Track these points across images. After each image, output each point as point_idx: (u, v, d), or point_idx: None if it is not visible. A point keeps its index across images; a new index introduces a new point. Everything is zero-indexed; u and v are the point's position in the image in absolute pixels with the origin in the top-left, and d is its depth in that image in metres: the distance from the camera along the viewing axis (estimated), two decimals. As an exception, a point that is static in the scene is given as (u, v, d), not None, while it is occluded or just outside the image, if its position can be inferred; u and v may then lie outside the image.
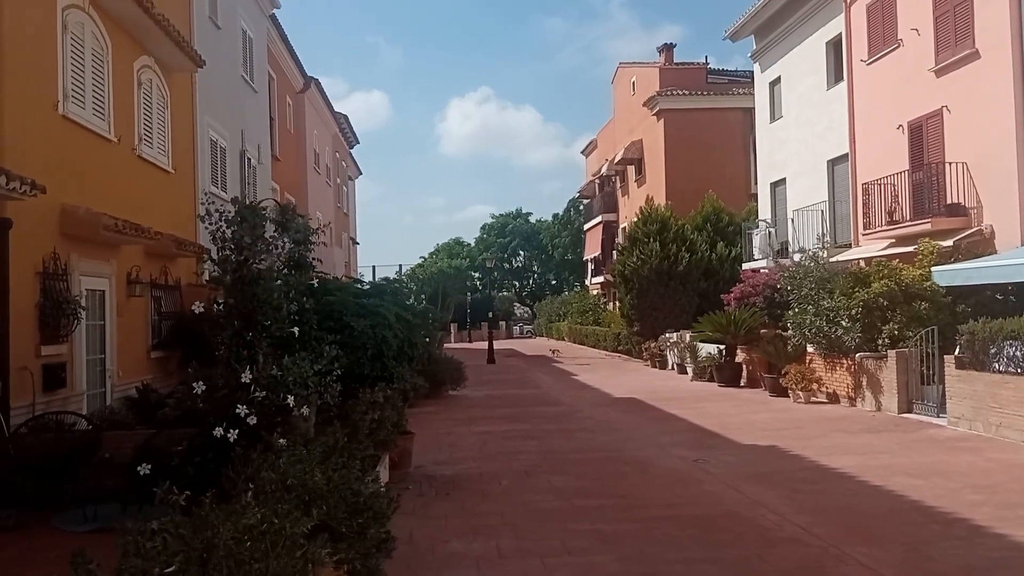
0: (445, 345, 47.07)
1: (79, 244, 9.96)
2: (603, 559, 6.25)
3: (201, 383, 5.51)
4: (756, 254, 24.23)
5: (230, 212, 5.84)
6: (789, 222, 22.85)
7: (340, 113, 34.02)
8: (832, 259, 18.70)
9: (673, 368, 24.39)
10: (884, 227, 17.73)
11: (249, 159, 18.63)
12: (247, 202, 6.09)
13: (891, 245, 17.36)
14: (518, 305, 70.76)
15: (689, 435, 12.33)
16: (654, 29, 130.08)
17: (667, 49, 36.84)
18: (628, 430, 13.06)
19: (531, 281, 72.45)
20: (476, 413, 15.70)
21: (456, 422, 14.44)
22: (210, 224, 5.84)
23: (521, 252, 71.10)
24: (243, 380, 5.35)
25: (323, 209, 30.58)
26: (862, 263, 17.59)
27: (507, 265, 71.43)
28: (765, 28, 24.84)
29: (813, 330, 15.67)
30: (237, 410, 5.22)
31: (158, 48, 12.71)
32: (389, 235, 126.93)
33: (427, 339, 15.78)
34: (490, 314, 34.71)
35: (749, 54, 26.49)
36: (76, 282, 9.84)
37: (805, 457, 10.19)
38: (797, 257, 18.67)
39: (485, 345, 37.38)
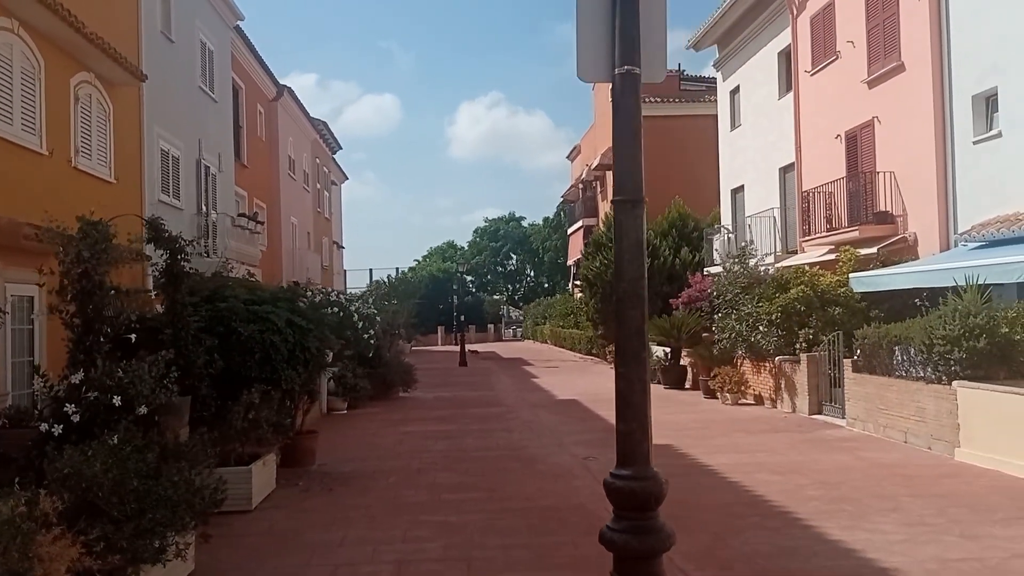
0: (434, 348, 48.14)
1: (4, 253, 10.55)
2: (431, 546, 6.81)
3: (40, 381, 6.12)
4: (716, 259, 24.69)
5: (71, 229, 6.43)
6: (747, 228, 23.34)
7: (319, 120, 34.66)
8: (779, 264, 19.19)
9: (633, 371, 24.81)
10: (822, 234, 18.23)
11: (207, 168, 19.25)
12: (95, 219, 6.69)
13: (830, 251, 17.84)
14: (511, 308, 71.37)
15: (599, 435, 12.81)
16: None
17: (642, 56, 37.30)
18: (545, 429, 13.59)
19: (523, 284, 73.09)
20: (414, 414, 16.25)
21: (389, 422, 15.00)
22: (49, 240, 6.45)
23: (513, 256, 71.75)
24: (73, 381, 5.97)
25: (298, 214, 31.21)
26: (779, 269, 18.01)
27: (500, 268, 72.13)
28: (725, 38, 25.36)
29: (733, 335, 16.17)
30: (65, 408, 5.84)
31: (97, 64, 13.27)
32: (397, 236, 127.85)
33: (370, 342, 16.33)
34: (461, 317, 35.33)
35: (712, 63, 27.01)
36: (1, 288, 10.44)
37: (688, 455, 10.70)
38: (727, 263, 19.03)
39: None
